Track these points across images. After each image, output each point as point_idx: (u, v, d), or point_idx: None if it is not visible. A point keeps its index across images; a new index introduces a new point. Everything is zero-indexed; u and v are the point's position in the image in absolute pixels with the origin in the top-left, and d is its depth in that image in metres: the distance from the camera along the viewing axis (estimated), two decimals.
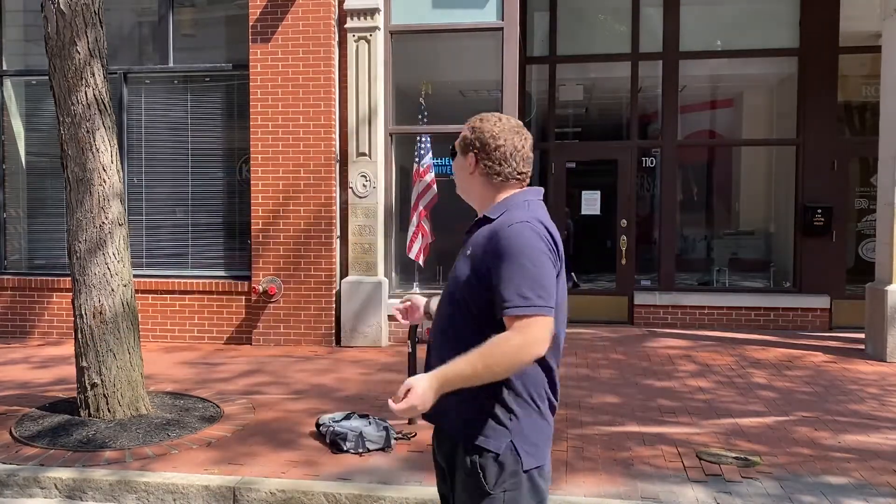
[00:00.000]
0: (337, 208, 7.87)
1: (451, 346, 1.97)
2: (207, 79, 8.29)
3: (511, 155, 2.07)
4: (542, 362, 1.97)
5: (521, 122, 2.15)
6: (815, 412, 5.36)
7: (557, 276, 1.96)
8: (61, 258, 8.16)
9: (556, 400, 2.07)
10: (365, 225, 7.90)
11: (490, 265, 1.94)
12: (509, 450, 1.94)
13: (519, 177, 2.09)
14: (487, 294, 1.94)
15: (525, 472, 1.95)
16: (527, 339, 1.85)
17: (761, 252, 9.71)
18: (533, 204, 2.06)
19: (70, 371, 5.93)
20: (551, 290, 1.90)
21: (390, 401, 1.92)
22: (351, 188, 7.90)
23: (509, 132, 2.08)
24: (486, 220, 2.06)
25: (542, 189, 2.16)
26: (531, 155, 2.12)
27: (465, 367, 1.87)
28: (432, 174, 7.98)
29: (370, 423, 4.66)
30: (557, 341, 2.02)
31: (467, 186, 2.17)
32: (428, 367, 2.05)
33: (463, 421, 1.99)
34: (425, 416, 2.04)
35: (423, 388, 1.88)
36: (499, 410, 1.96)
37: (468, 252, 2.05)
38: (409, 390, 1.89)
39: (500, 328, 1.90)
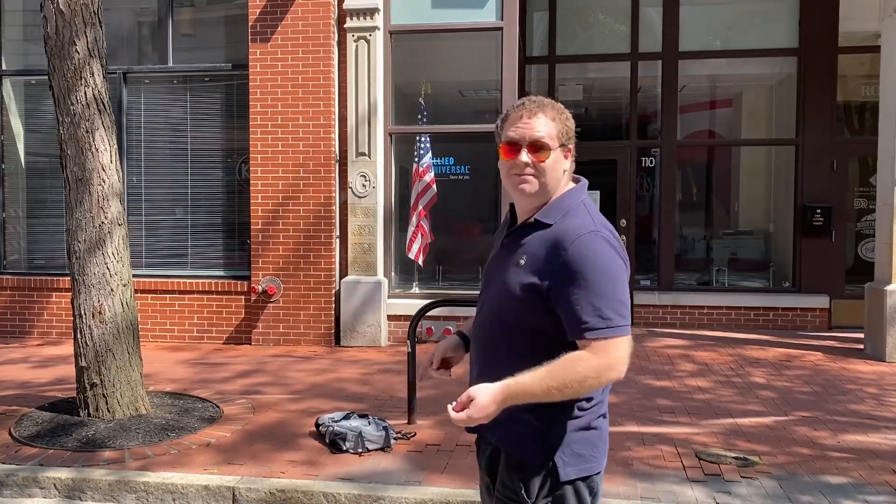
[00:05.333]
0: (336, 208, 7.87)
1: (507, 364, 1.80)
2: (207, 79, 8.29)
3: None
4: None
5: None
6: (815, 412, 5.36)
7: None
8: (60, 258, 8.16)
9: (606, 407, 1.94)
10: (364, 225, 7.90)
11: (557, 282, 1.76)
12: (546, 459, 1.82)
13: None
14: (549, 315, 1.79)
15: (567, 483, 1.83)
16: (607, 361, 1.71)
17: (761, 252, 9.71)
18: (590, 207, 1.88)
19: (69, 371, 5.93)
20: (628, 305, 1.78)
21: (450, 407, 1.79)
22: (350, 188, 7.89)
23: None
24: (540, 224, 1.87)
25: (585, 181, 1.99)
26: None
27: (534, 384, 1.72)
28: (432, 174, 7.98)
29: (369, 423, 4.66)
30: None
31: (558, 181, 1.92)
32: (471, 383, 1.94)
33: (501, 428, 1.87)
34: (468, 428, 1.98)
35: (486, 399, 1.74)
36: (533, 417, 1.83)
37: (522, 262, 1.85)
38: (471, 400, 1.76)
39: (567, 346, 1.77)
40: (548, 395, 1.74)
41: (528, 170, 1.88)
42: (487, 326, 1.95)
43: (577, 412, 1.84)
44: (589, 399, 1.85)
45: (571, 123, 1.92)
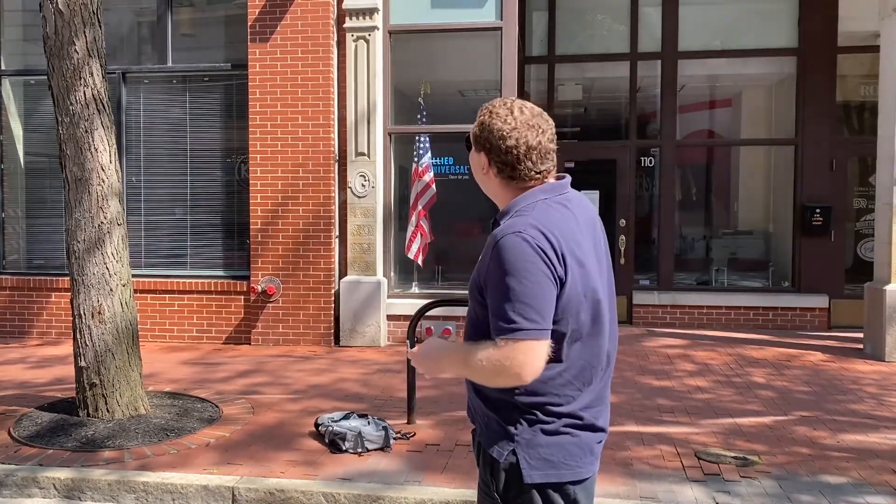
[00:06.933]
0: (336, 208, 7.87)
1: None
2: (206, 78, 8.28)
3: (525, 155, 1.86)
4: (561, 377, 1.82)
5: (538, 109, 1.92)
6: (814, 412, 5.36)
7: (563, 286, 1.75)
8: (60, 258, 8.16)
9: (593, 417, 1.87)
10: (364, 224, 7.90)
11: (485, 281, 1.80)
12: (512, 460, 1.82)
13: (537, 176, 1.88)
14: (485, 309, 1.82)
15: (532, 486, 1.80)
16: (506, 361, 1.70)
17: (760, 252, 9.72)
18: (539, 206, 1.83)
19: (69, 371, 5.93)
20: (544, 308, 1.72)
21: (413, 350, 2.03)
22: (350, 188, 7.89)
23: (523, 127, 1.85)
24: (497, 223, 1.89)
25: (564, 181, 1.94)
26: (552, 147, 1.91)
27: (457, 351, 1.88)
28: (431, 174, 7.98)
29: (369, 423, 4.66)
30: (593, 353, 1.86)
31: (484, 184, 1.99)
32: None
33: (484, 424, 1.91)
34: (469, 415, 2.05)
35: (431, 346, 1.95)
36: (505, 416, 1.84)
37: (479, 259, 1.89)
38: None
39: None
40: (457, 364, 1.87)
41: None
42: (466, 321, 2.01)
43: (541, 416, 1.82)
44: (556, 404, 1.82)
45: (486, 132, 1.88)
